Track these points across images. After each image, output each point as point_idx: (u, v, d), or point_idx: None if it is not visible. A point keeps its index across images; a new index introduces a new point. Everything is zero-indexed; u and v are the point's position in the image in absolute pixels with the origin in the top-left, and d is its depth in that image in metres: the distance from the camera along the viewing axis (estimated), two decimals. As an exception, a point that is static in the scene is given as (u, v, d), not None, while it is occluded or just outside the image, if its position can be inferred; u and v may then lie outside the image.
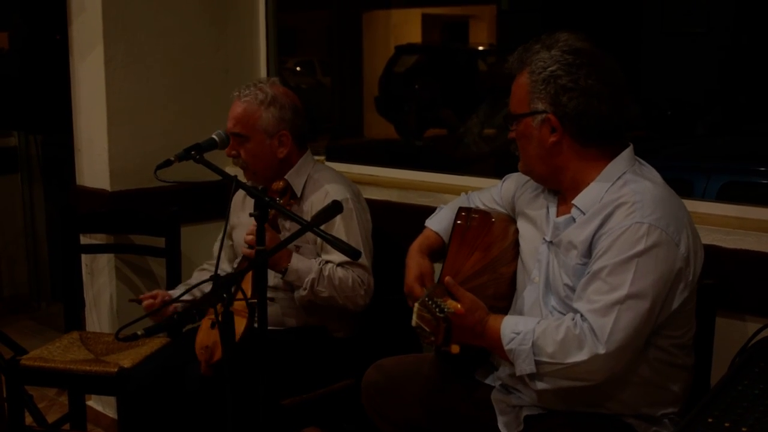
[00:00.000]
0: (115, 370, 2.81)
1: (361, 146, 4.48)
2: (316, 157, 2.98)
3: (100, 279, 3.49)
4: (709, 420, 1.47)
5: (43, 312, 5.30)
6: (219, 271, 2.73)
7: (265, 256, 2.13)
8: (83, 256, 3.50)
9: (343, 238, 2.55)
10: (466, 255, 2.13)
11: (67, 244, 3.34)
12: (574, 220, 1.96)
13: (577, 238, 1.92)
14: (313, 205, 2.66)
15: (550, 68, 1.92)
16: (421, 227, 2.40)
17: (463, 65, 4.37)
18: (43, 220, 5.31)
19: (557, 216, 2.04)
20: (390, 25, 4.64)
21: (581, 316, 1.84)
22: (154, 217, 3.26)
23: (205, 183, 3.04)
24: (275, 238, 2.52)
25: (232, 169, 2.82)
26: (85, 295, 3.54)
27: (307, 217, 2.56)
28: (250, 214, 2.19)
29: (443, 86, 4.33)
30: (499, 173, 2.50)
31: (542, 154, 1.99)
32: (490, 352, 2.12)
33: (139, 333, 1.83)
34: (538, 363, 1.85)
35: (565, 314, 1.91)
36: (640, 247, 1.81)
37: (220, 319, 1.94)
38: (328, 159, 3.56)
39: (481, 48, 4.31)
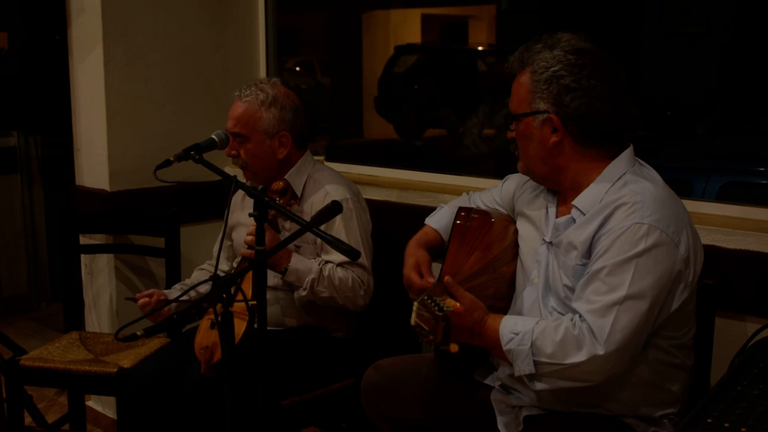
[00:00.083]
0: (115, 370, 2.81)
1: (361, 146, 4.48)
2: (316, 157, 2.97)
3: (100, 279, 3.49)
4: (709, 420, 1.47)
5: (42, 312, 5.30)
6: (218, 271, 2.76)
7: (264, 256, 2.12)
8: (83, 257, 3.50)
9: (343, 238, 2.55)
10: (465, 255, 2.13)
11: (66, 245, 3.34)
12: (574, 220, 1.96)
13: (577, 238, 1.92)
14: (313, 205, 2.66)
15: (552, 68, 1.92)
16: (421, 227, 2.40)
17: (462, 65, 4.37)
18: (43, 221, 5.31)
19: (557, 216, 2.04)
20: (389, 26, 4.64)
21: (580, 316, 1.83)
22: (153, 217, 3.27)
23: (205, 183, 3.02)
24: (275, 239, 2.52)
25: (231, 169, 2.82)
26: (84, 296, 3.54)
27: (307, 218, 2.56)
28: (250, 214, 2.19)
29: (443, 86, 4.33)
30: (498, 173, 2.51)
31: (543, 155, 1.99)
32: (489, 353, 2.12)
33: (138, 333, 1.83)
34: (537, 363, 1.85)
35: (564, 315, 1.91)
36: (640, 247, 1.81)
37: (219, 319, 1.94)
38: (328, 159, 3.56)
39: (480, 48, 4.31)
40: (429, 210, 2.47)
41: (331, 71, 5.02)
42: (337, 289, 2.57)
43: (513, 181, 2.30)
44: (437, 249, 2.33)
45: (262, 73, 3.72)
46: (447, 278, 2.01)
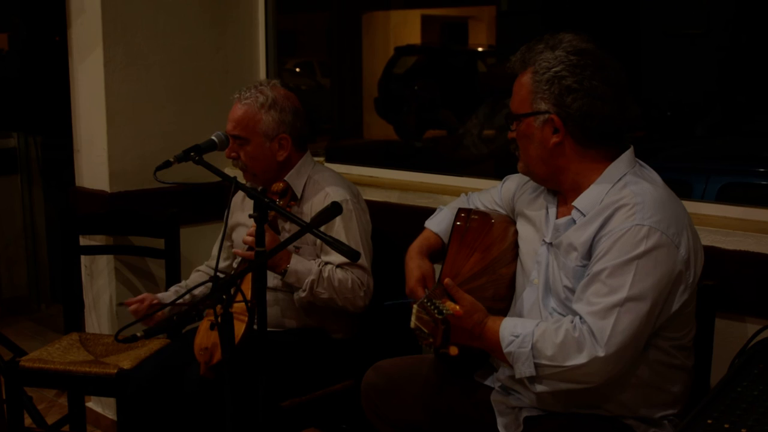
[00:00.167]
0: (115, 371, 2.81)
1: (361, 147, 4.47)
2: (316, 159, 2.98)
3: (100, 280, 3.49)
4: (709, 421, 1.47)
5: (42, 313, 5.30)
6: (218, 272, 2.76)
7: (264, 257, 2.12)
8: (83, 258, 3.50)
9: (343, 239, 2.55)
10: (465, 256, 2.13)
11: (66, 246, 3.34)
12: (574, 221, 1.96)
13: (577, 239, 1.92)
14: (313, 206, 2.66)
15: (554, 69, 1.92)
16: (421, 228, 2.40)
17: (462, 66, 4.37)
18: (43, 222, 5.31)
19: (557, 217, 2.04)
20: (389, 26, 4.63)
21: (580, 318, 1.83)
22: (153, 218, 3.27)
23: (205, 184, 3.04)
24: (275, 240, 2.52)
25: (231, 170, 2.82)
26: (84, 297, 3.54)
27: (307, 219, 2.55)
28: (250, 216, 2.19)
29: (442, 87, 4.32)
30: (498, 174, 2.51)
31: (543, 155, 1.99)
32: (489, 354, 2.12)
33: (138, 334, 1.83)
34: (537, 365, 1.85)
35: (564, 315, 1.91)
36: (640, 249, 1.81)
37: (219, 320, 1.94)
38: (328, 160, 3.56)
39: (480, 49, 4.31)
40: (429, 211, 2.47)
41: (331, 72, 5.02)
42: (336, 290, 2.57)
43: (513, 181, 2.30)
44: (439, 253, 2.33)
45: (262, 74, 3.72)
46: (447, 280, 2.01)
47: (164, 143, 3.38)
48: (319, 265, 2.59)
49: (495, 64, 4.13)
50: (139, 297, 2.73)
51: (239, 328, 2.16)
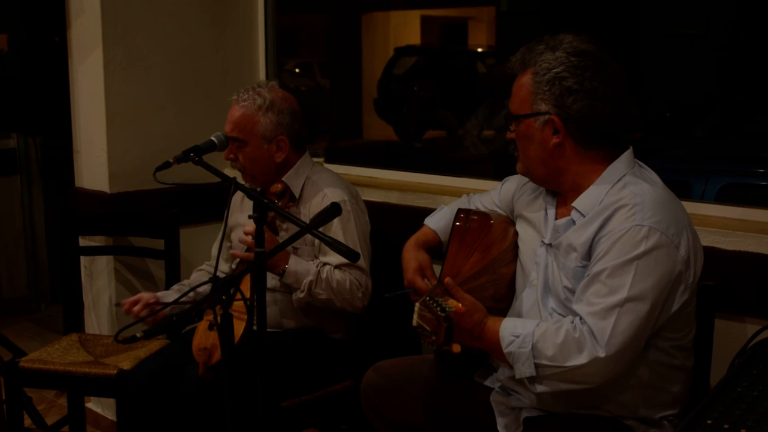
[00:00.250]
0: (114, 372, 2.80)
1: (360, 148, 4.48)
2: (316, 159, 2.97)
3: (99, 281, 3.49)
4: (709, 422, 1.47)
5: (42, 314, 5.30)
6: (218, 272, 2.76)
7: (263, 258, 2.12)
8: (82, 258, 3.50)
9: (341, 239, 2.55)
10: (465, 256, 2.13)
11: (66, 246, 3.34)
12: (573, 222, 1.96)
13: (577, 240, 1.92)
14: (311, 207, 2.66)
15: (555, 69, 1.92)
16: (420, 228, 2.40)
17: (462, 67, 4.37)
18: (42, 222, 5.31)
19: (556, 218, 2.04)
20: (389, 27, 4.64)
21: (581, 318, 1.83)
22: (153, 219, 3.27)
23: (204, 185, 3.04)
24: (273, 240, 2.52)
25: (230, 171, 2.82)
26: (84, 297, 3.54)
27: (306, 219, 2.55)
28: (249, 216, 2.19)
29: (442, 88, 4.33)
30: (498, 175, 2.51)
31: (543, 156, 1.98)
32: (489, 355, 2.12)
33: (138, 335, 1.83)
34: (537, 366, 1.85)
35: (564, 316, 1.91)
36: (640, 249, 1.81)
37: (218, 320, 1.94)
38: (328, 161, 3.56)
39: (480, 50, 4.31)
40: (428, 211, 2.47)
41: (331, 73, 5.02)
42: (334, 291, 2.57)
43: (512, 182, 2.30)
44: (435, 249, 2.33)
45: (262, 74, 3.72)
46: (447, 279, 2.01)
47: (164, 144, 3.38)
48: (317, 266, 2.59)
49: (494, 65, 4.13)
50: (135, 297, 2.73)
51: (239, 327, 2.16)
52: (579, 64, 1.91)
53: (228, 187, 2.22)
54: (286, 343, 2.65)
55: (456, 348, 1.87)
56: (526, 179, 2.16)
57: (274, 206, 2.17)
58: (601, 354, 1.79)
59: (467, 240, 2.16)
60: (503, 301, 2.15)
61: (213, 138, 2.45)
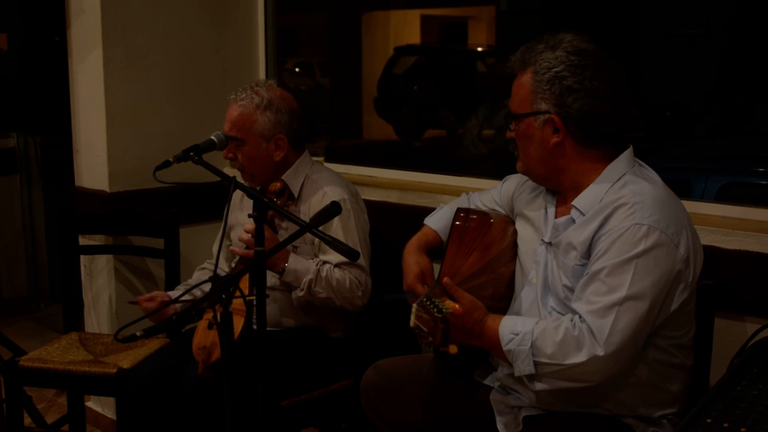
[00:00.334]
0: (114, 370, 2.81)
1: (360, 147, 4.47)
2: (315, 158, 2.97)
3: (99, 280, 3.49)
4: (708, 420, 1.47)
5: (42, 313, 5.30)
6: (218, 271, 2.75)
7: (263, 256, 2.12)
8: (82, 257, 3.50)
9: (341, 238, 2.55)
10: (464, 255, 2.13)
11: (66, 245, 3.34)
12: (573, 221, 1.96)
13: (576, 239, 1.92)
14: (311, 205, 2.66)
15: (555, 69, 1.92)
16: (420, 228, 2.40)
17: (462, 66, 4.37)
18: (42, 222, 5.31)
19: (556, 217, 2.04)
20: (389, 26, 4.63)
21: (580, 317, 1.83)
22: (152, 218, 3.27)
23: (204, 184, 3.02)
24: (274, 239, 2.53)
25: (230, 170, 2.82)
26: (84, 296, 3.54)
27: (305, 218, 2.56)
28: (249, 215, 2.19)
29: (442, 87, 4.32)
30: (498, 174, 2.51)
31: (543, 155, 1.99)
32: (489, 353, 2.12)
33: (138, 334, 1.83)
34: (537, 364, 1.85)
35: (564, 315, 1.91)
36: (640, 248, 1.81)
37: (218, 319, 1.94)
38: (327, 160, 3.56)
39: (480, 49, 4.31)
40: (428, 211, 2.47)
41: (331, 72, 5.02)
42: (334, 289, 2.57)
43: (512, 181, 2.30)
44: (436, 249, 2.33)
45: (262, 73, 3.72)
46: (446, 279, 2.01)
47: (164, 143, 3.38)
48: (317, 265, 2.59)
49: (494, 64, 4.13)
50: (150, 295, 2.73)
51: (238, 323, 2.16)
52: (579, 64, 1.91)
53: (228, 186, 2.22)
54: (286, 342, 2.65)
55: (453, 349, 1.87)
56: (526, 178, 2.16)
57: (273, 205, 2.17)
58: (600, 352, 1.79)
59: (466, 239, 2.16)
60: (502, 301, 2.15)
61: (213, 137, 2.45)
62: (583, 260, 1.90)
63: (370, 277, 2.65)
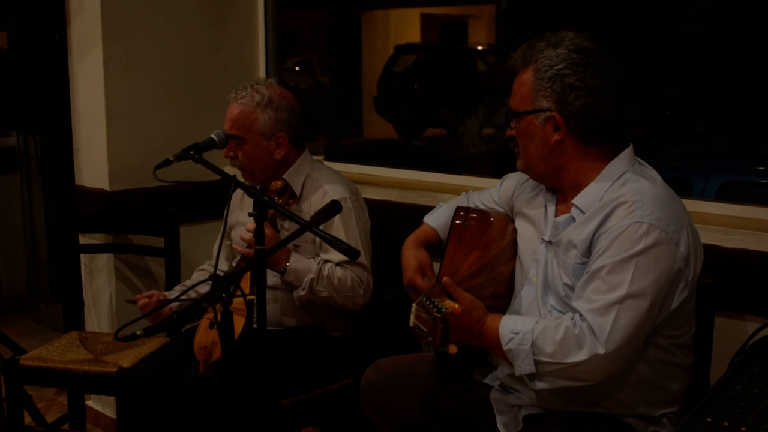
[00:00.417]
0: (115, 369, 2.81)
1: (361, 146, 4.48)
2: (316, 157, 2.97)
3: (99, 279, 3.49)
4: (708, 419, 1.47)
5: (42, 312, 5.30)
6: (218, 271, 2.76)
7: (264, 255, 2.12)
8: (82, 256, 3.50)
9: (342, 237, 2.55)
10: (464, 254, 2.13)
11: (66, 244, 3.34)
12: (573, 219, 1.96)
13: (576, 237, 1.92)
14: (312, 204, 2.66)
15: (556, 66, 1.92)
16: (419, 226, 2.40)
17: (462, 65, 4.37)
18: (42, 220, 5.31)
19: (556, 215, 2.04)
20: (389, 25, 4.64)
21: (580, 315, 1.83)
22: (153, 217, 3.27)
23: (204, 183, 3.03)
24: (275, 237, 2.52)
25: (231, 169, 2.82)
26: (84, 295, 3.54)
27: (306, 217, 2.56)
28: (249, 214, 2.19)
29: (442, 86, 4.33)
30: (498, 173, 2.50)
31: (544, 153, 1.98)
32: (489, 352, 2.12)
33: (138, 333, 1.83)
34: (537, 363, 1.85)
35: (564, 313, 1.91)
36: (640, 246, 1.81)
37: (219, 319, 1.94)
38: (328, 159, 3.56)
39: (480, 48, 4.31)
40: (428, 209, 2.47)
41: (331, 71, 5.02)
42: (336, 288, 2.57)
43: (512, 180, 2.30)
44: (435, 247, 2.33)
45: (262, 72, 3.72)
46: (445, 279, 2.01)
47: (164, 142, 3.38)
48: (318, 264, 2.59)
49: (495, 63, 4.13)
50: (148, 293, 2.73)
51: (238, 323, 2.16)
52: (581, 61, 1.91)
53: (228, 184, 2.22)
54: (287, 341, 2.65)
55: (452, 349, 1.87)
56: (525, 177, 2.15)
57: (274, 204, 2.17)
58: (601, 351, 1.79)
59: (466, 238, 2.16)
60: (502, 300, 2.15)
61: (213, 136, 2.45)
62: (584, 258, 1.90)
63: (371, 276, 2.65)
